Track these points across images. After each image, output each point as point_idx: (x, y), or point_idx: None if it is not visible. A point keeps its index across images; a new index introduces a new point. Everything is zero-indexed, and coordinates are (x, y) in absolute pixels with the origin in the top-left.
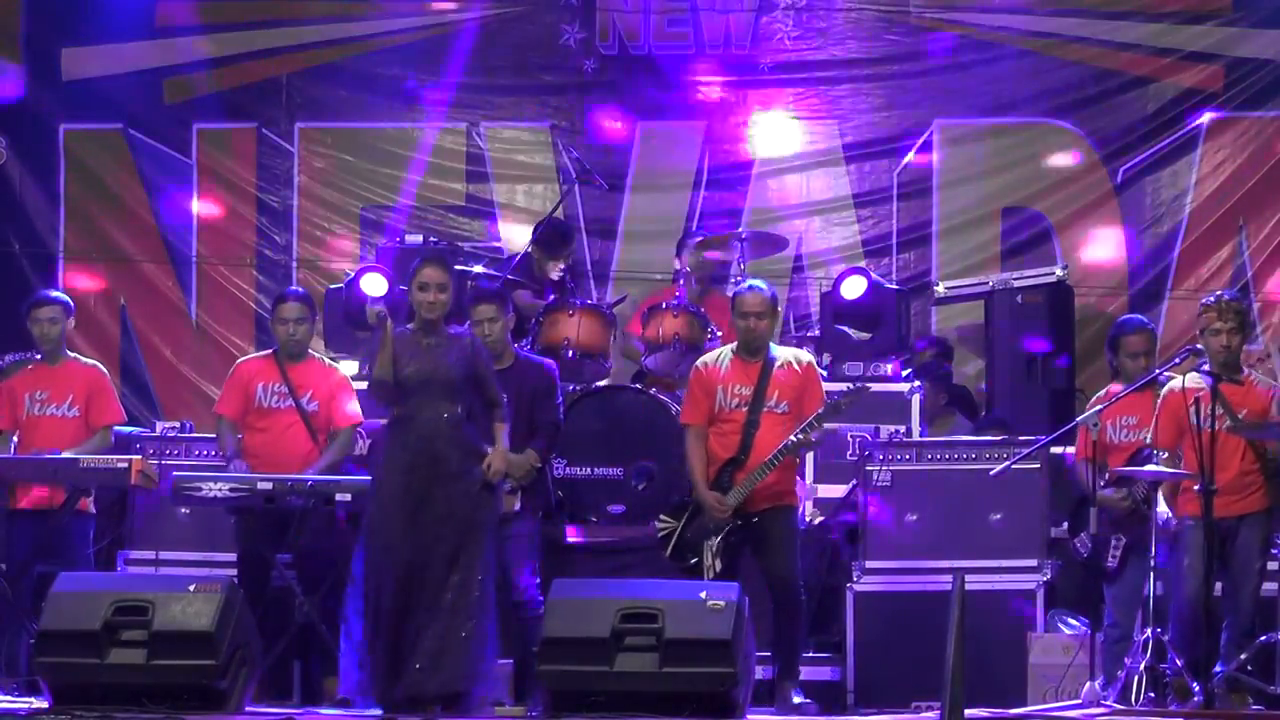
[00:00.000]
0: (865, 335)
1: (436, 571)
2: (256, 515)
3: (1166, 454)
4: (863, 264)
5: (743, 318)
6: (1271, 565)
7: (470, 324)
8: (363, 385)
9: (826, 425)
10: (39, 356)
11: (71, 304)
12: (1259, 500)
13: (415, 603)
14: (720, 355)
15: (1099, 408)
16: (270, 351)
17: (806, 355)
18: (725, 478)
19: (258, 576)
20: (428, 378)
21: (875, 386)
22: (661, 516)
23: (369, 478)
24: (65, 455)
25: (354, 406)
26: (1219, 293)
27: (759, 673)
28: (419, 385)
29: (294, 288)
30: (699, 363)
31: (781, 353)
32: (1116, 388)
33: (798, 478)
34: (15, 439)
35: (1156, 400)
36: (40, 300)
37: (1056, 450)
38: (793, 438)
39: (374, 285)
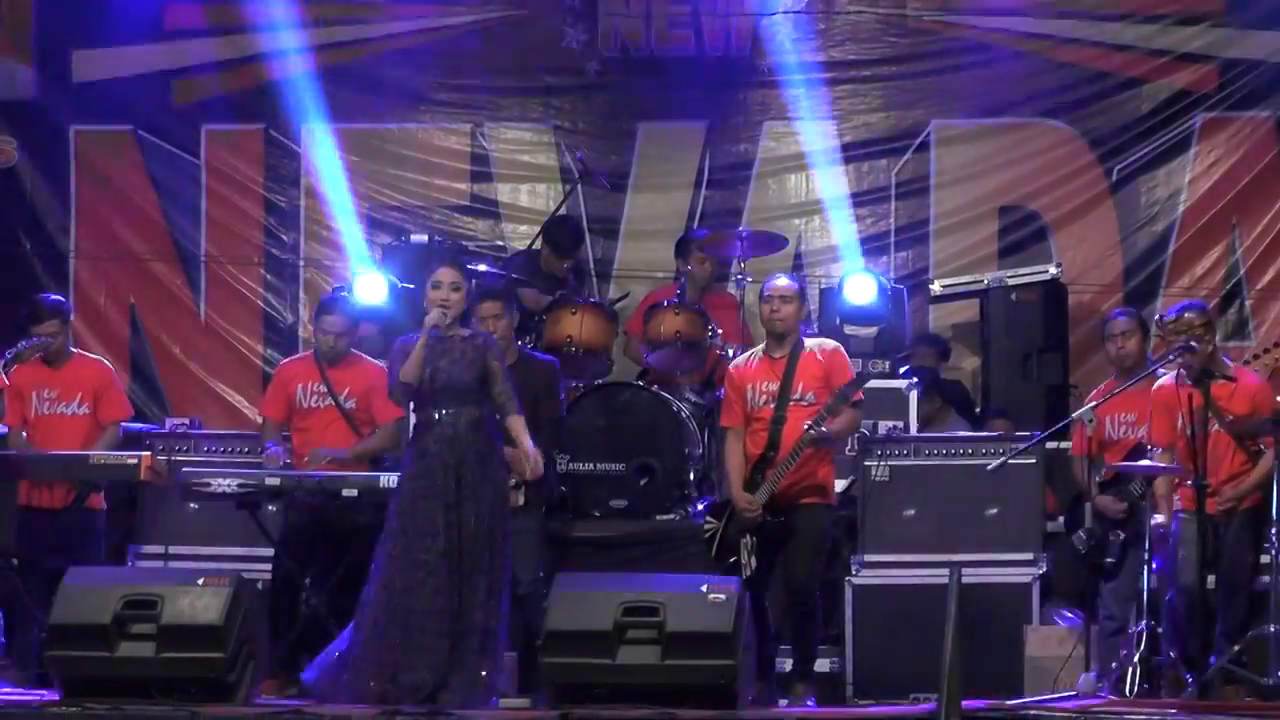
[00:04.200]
0: (870, 332)
1: (462, 574)
2: (280, 512)
3: (1163, 451)
4: (861, 263)
5: (767, 302)
6: (1264, 559)
7: (475, 322)
8: None
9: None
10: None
11: (68, 305)
12: (1251, 497)
13: (438, 604)
14: (750, 355)
15: (1094, 404)
16: (310, 352)
17: (831, 343)
18: (757, 475)
19: (294, 570)
20: (446, 383)
21: (874, 383)
22: (707, 518)
23: (377, 474)
24: (76, 452)
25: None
26: (1163, 315)
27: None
28: (438, 390)
29: (336, 295)
30: (731, 365)
31: (808, 345)
32: (1113, 383)
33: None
34: (24, 435)
35: None
36: (37, 315)
37: (1051, 445)
38: (807, 431)
39: (371, 290)
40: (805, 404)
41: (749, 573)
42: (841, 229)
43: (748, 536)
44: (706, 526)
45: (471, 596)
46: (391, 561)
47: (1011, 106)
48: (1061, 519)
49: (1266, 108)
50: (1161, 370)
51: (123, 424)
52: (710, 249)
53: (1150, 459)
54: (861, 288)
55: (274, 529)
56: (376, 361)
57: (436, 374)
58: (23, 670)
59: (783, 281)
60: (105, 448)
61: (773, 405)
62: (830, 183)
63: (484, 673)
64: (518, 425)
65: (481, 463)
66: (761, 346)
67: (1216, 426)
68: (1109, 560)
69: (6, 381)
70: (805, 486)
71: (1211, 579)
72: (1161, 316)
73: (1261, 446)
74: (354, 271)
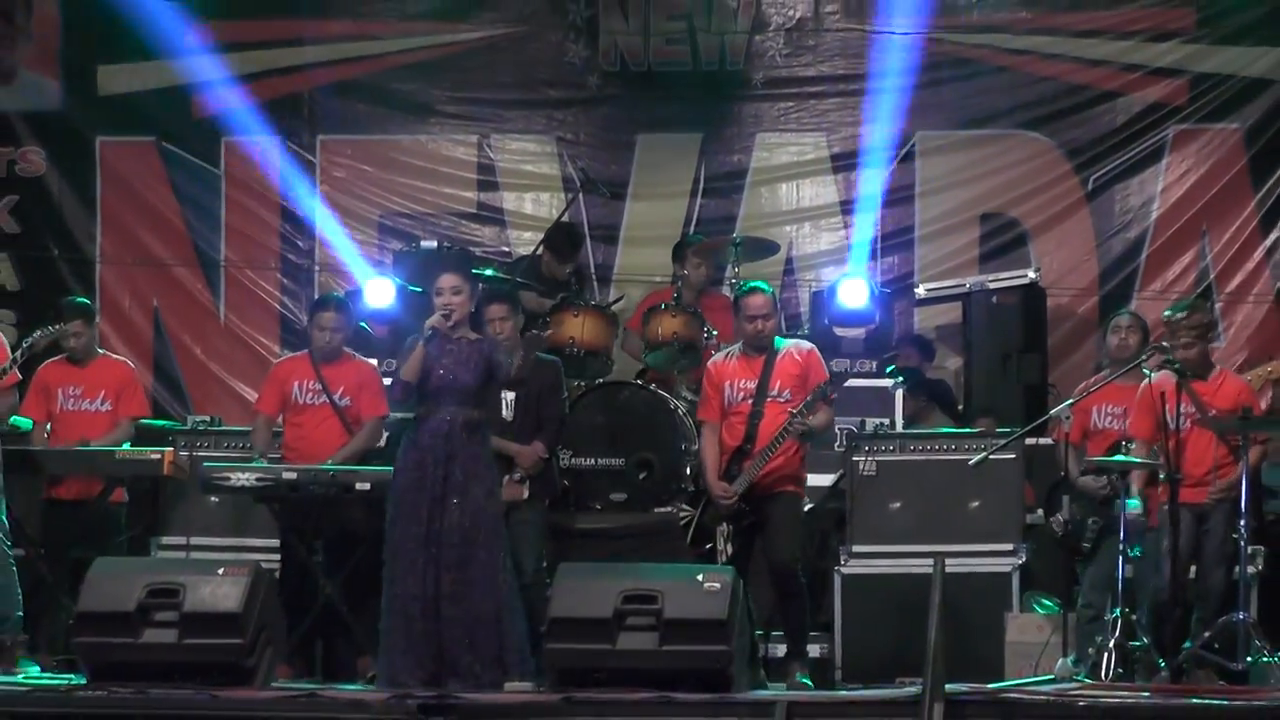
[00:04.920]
0: (859, 333)
1: (441, 565)
2: (291, 503)
3: (1138, 444)
4: (849, 268)
5: (749, 320)
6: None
7: (484, 325)
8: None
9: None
10: (71, 340)
11: (92, 307)
12: (1231, 490)
13: (431, 593)
14: (729, 354)
15: (1070, 401)
16: (306, 351)
17: (807, 344)
18: (734, 466)
19: (298, 559)
20: (447, 382)
21: (862, 382)
22: (682, 506)
23: (389, 468)
24: (100, 447)
25: (380, 399)
26: (1172, 311)
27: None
28: (437, 389)
29: (332, 294)
30: (710, 363)
31: (784, 345)
32: (1105, 377)
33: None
34: (49, 429)
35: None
36: (62, 315)
37: (1030, 441)
38: (788, 426)
39: (380, 294)
40: (781, 400)
41: (724, 559)
42: (830, 235)
43: (724, 524)
44: (682, 515)
45: (459, 588)
46: (388, 551)
47: (992, 118)
48: (1040, 511)
49: (1235, 120)
50: (1147, 368)
51: (144, 421)
52: (706, 254)
53: (1124, 452)
54: (854, 291)
55: (285, 521)
56: (368, 360)
57: (439, 372)
58: (51, 655)
59: (759, 300)
60: (115, 441)
61: (750, 401)
62: (820, 191)
63: (489, 659)
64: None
65: (473, 461)
66: (739, 345)
67: (1197, 420)
68: (1085, 545)
69: (19, 376)
70: (780, 477)
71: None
72: (1170, 316)
73: (1243, 441)
74: (362, 277)
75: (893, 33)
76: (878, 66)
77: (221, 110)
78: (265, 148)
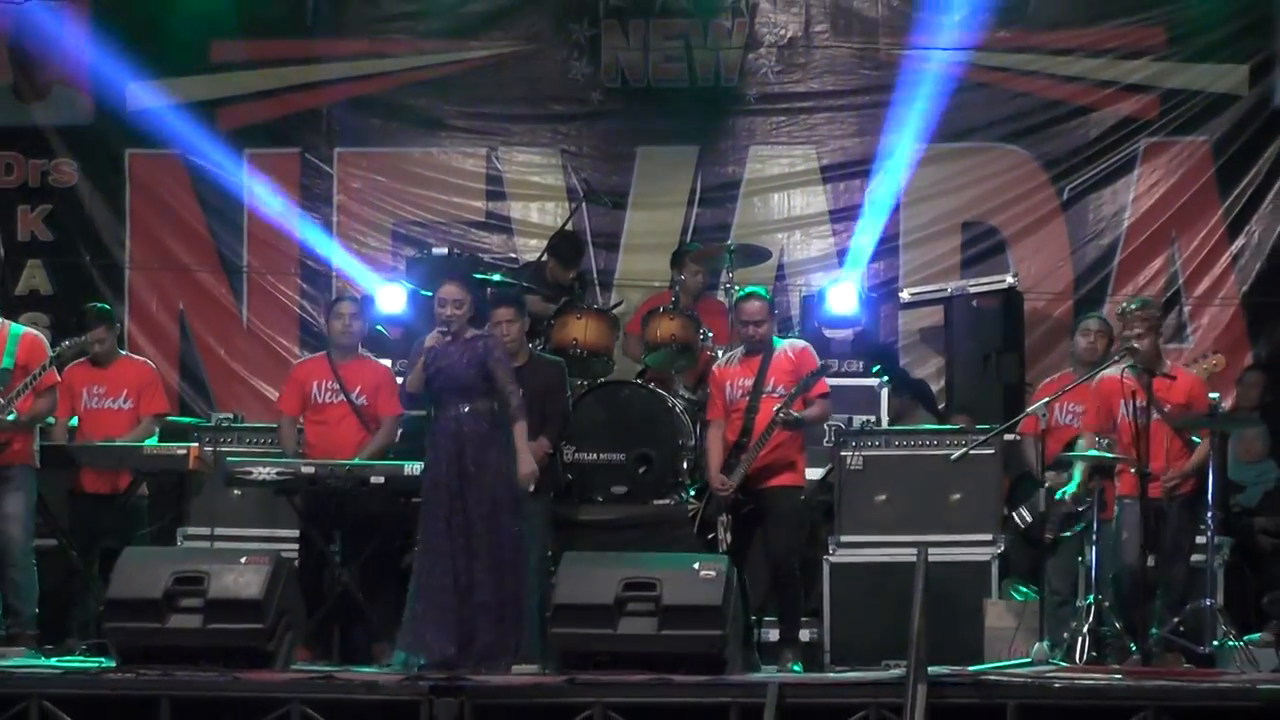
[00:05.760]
0: (846, 334)
1: (469, 554)
2: (309, 496)
3: (1085, 437)
4: (838, 273)
5: (744, 325)
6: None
7: (489, 325)
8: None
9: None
10: (95, 346)
11: (113, 313)
12: (1189, 484)
13: (464, 582)
14: (730, 357)
15: (1046, 399)
16: (323, 353)
17: (801, 343)
18: (732, 459)
19: (317, 549)
20: (447, 382)
21: (851, 381)
22: (691, 500)
23: (401, 463)
24: (129, 443)
25: (395, 399)
26: (1126, 304)
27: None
28: (441, 388)
29: (350, 293)
30: (714, 366)
31: (780, 345)
32: (1069, 375)
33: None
34: (73, 423)
35: None
36: (85, 321)
37: (1009, 437)
38: (774, 417)
39: (391, 299)
40: (776, 396)
41: (724, 548)
42: (820, 243)
43: (725, 515)
44: (690, 507)
45: (478, 575)
46: (420, 545)
47: (973, 132)
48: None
49: (1203, 133)
50: (1109, 370)
51: (169, 418)
52: (702, 261)
53: (1081, 444)
54: (844, 295)
55: (304, 513)
56: (383, 361)
57: (439, 376)
58: (83, 640)
59: (754, 305)
60: (139, 438)
61: (747, 398)
62: (810, 201)
63: (498, 643)
64: (519, 434)
65: (482, 452)
66: (740, 349)
67: (1155, 417)
68: (1046, 536)
69: (58, 377)
70: (777, 468)
71: (1153, 558)
72: (1125, 308)
73: (1196, 437)
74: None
75: (878, 49)
76: (868, 83)
77: (244, 124)
78: (284, 160)
